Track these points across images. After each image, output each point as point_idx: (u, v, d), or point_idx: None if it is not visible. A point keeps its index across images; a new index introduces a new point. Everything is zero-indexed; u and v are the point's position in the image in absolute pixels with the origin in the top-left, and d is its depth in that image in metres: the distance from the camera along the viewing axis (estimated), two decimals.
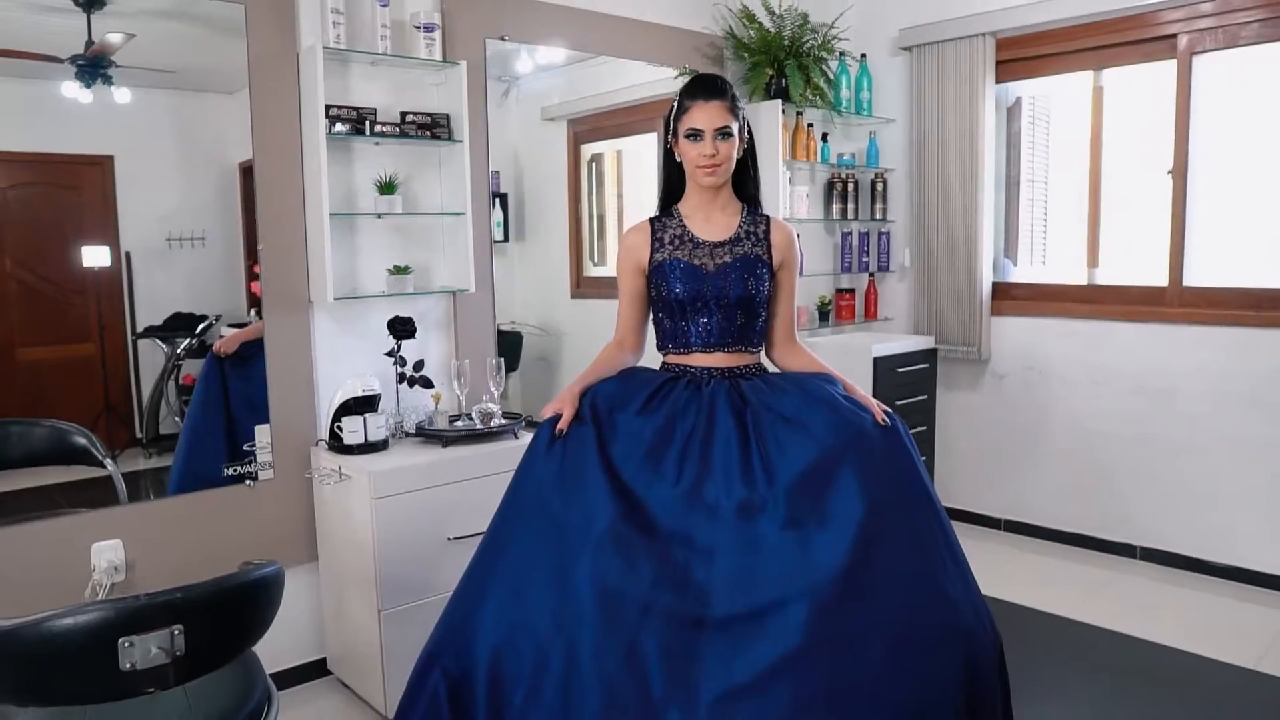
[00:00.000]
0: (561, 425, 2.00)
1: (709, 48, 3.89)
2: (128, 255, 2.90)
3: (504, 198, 3.69)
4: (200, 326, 2.98)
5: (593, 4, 3.49)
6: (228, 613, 1.65)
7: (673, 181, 2.23)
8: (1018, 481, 4.27)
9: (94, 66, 2.74)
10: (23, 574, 2.44)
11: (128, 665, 1.52)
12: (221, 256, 3.03)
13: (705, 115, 2.07)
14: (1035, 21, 3.94)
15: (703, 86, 2.11)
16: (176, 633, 1.55)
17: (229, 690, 1.89)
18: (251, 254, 3.04)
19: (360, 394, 2.72)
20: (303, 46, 2.77)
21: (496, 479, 2.75)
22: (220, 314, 3.01)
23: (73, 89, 2.69)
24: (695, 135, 2.08)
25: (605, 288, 4.32)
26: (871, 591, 1.77)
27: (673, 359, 2.20)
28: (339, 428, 2.71)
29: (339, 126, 2.78)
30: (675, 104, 2.15)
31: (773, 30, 3.88)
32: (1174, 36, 3.67)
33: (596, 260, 4.25)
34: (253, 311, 2.96)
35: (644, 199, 4.28)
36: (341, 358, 2.93)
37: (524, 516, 1.97)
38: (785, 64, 3.88)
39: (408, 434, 2.90)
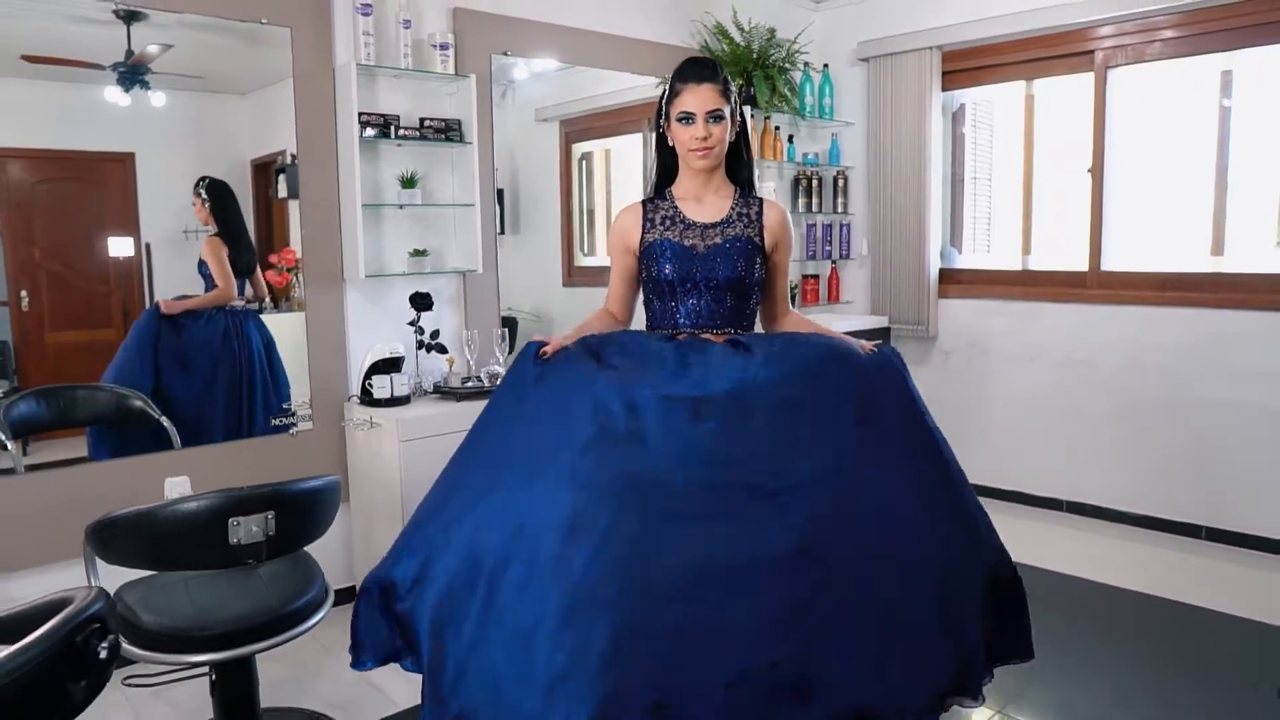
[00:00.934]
0: (549, 349, 1.99)
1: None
2: (148, 246, 3.15)
3: (500, 193, 3.93)
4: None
5: (583, 22, 3.98)
6: (303, 505, 2.16)
7: (665, 165, 2.22)
8: (963, 446, 4.70)
9: (133, 73, 3.05)
10: (106, 507, 2.90)
11: (234, 540, 2.02)
12: None
13: (697, 98, 2.05)
14: (975, 37, 4.46)
15: (694, 69, 2.09)
16: (269, 517, 2.06)
17: (296, 581, 2.39)
18: (262, 246, 3.38)
19: (387, 356, 3.22)
20: (338, 63, 3.26)
21: None
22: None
23: (115, 93, 3.01)
24: (687, 118, 2.06)
25: (595, 277, 4.60)
26: (857, 517, 1.78)
27: None
28: (370, 385, 3.21)
29: (368, 131, 3.27)
30: (667, 87, 2.13)
31: (742, 44, 4.38)
32: (1092, 52, 4.19)
33: (586, 251, 4.58)
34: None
35: (631, 194, 4.65)
36: (369, 327, 3.42)
37: (487, 444, 1.98)
38: (753, 74, 4.38)
39: (426, 392, 3.41)
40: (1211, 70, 3.94)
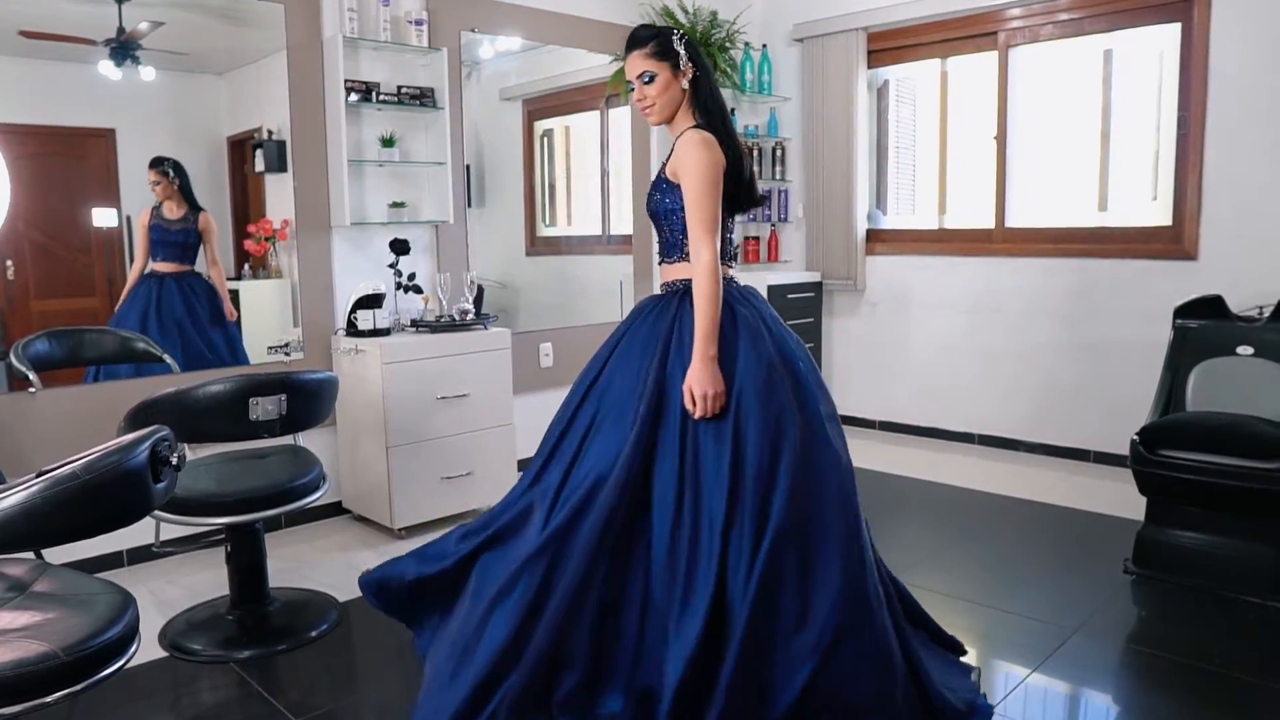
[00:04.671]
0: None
1: None
2: (128, 219, 3.33)
3: (467, 168, 4.22)
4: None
5: (543, 4, 4.44)
6: (309, 391, 2.62)
7: None
8: (888, 388, 5.32)
9: (124, 48, 3.29)
10: (118, 417, 3.25)
11: (254, 416, 2.48)
12: (212, 220, 3.58)
13: (630, 67, 2.24)
14: (896, 19, 4.98)
15: (627, 41, 2.26)
16: (282, 399, 2.51)
17: (298, 466, 2.85)
18: (239, 218, 3.69)
19: (370, 293, 3.66)
20: (326, 36, 3.70)
21: (471, 357, 3.77)
22: None
23: (107, 67, 3.24)
24: (630, 85, 2.26)
25: (557, 247, 5.05)
26: None
27: None
28: (355, 318, 3.65)
29: (353, 96, 3.71)
30: None
31: (687, 25, 4.86)
32: (995, 33, 4.73)
33: (548, 222, 4.93)
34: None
35: (590, 168, 5.05)
36: (353, 270, 3.86)
37: None
38: None
39: (404, 327, 3.86)
40: (1095, 49, 4.47)
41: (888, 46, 5.12)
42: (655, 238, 2.39)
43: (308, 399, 2.61)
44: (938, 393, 5.11)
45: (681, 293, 2.24)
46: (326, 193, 3.76)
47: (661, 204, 2.26)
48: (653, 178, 2.37)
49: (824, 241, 5.35)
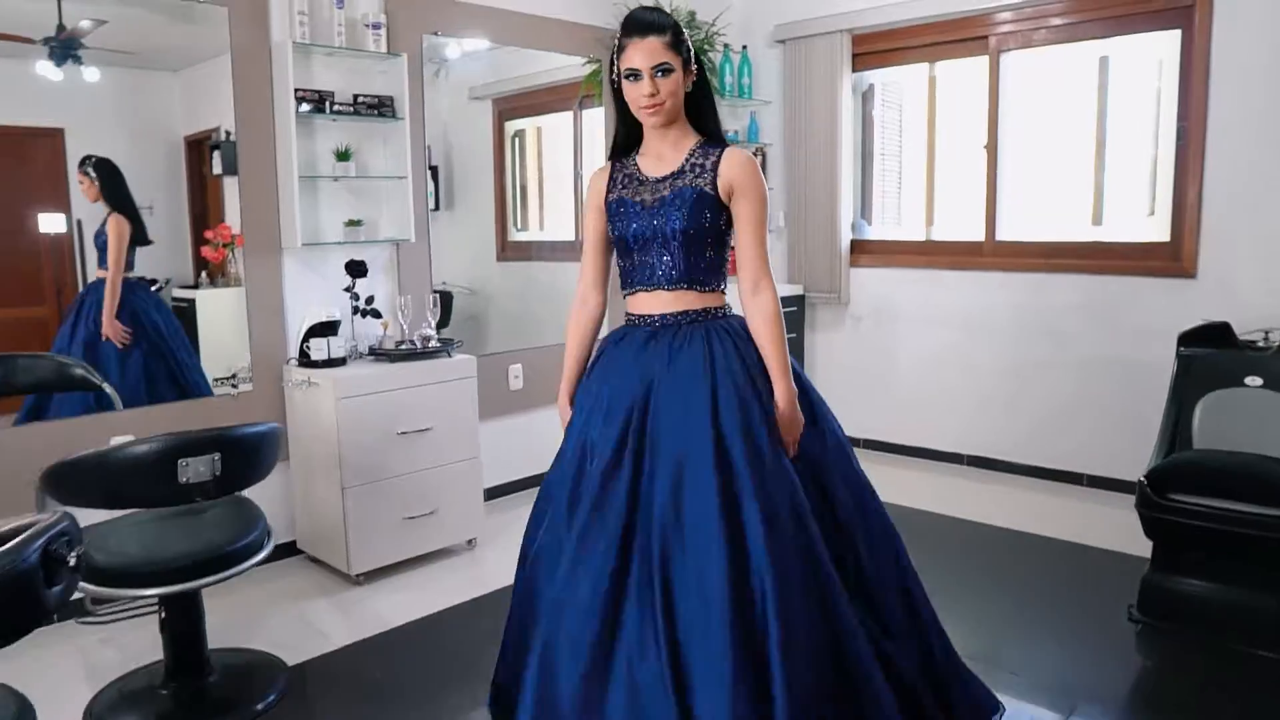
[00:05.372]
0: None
1: (610, 39, 4.57)
2: (79, 223, 3.19)
3: (434, 170, 4.07)
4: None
5: (510, 4, 4.17)
6: (247, 447, 2.36)
7: (628, 123, 2.10)
8: (872, 405, 5.12)
9: (65, 47, 3.08)
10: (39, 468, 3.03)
11: (183, 479, 2.22)
12: (168, 224, 3.40)
13: (641, 53, 1.93)
14: (882, 21, 4.75)
15: (638, 23, 1.95)
16: (216, 458, 2.25)
17: (240, 524, 2.59)
18: (197, 222, 3.46)
19: (324, 320, 3.40)
20: (274, 41, 3.41)
21: (433, 387, 3.52)
22: (170, 278, 3.42)
23: (46, 68, 3.03)
24: (634, 75, 1.95)
25: (528, 251, 4.84)
26: None
27: (629, 303, 2.15)
28: (307, 347, 3.39)
29: (304, 106, 3.44)
30: (616, 42, 2.00)
31: None
32: (986, 38, 4.52)
33: (520, 226, 4.74)
34: None
35: (562, 170, 4.85)
36: (306, 294, 3.59)
37: None
38: None
39: (362, 355, 3.60)
40: (1090, 56, 4.28)
41: (873, 49, 4.90)
42: (639, 259, 2.08)
43: (245, 456, 2.35)
44: (924, 411, 4.92)
45: (709, 320, 2.09)
46: (276, 211, 3.49)
47: (714, 223, 2.02)
48: (667, 191, 2.04)
49: (806, 253, 5.13)
